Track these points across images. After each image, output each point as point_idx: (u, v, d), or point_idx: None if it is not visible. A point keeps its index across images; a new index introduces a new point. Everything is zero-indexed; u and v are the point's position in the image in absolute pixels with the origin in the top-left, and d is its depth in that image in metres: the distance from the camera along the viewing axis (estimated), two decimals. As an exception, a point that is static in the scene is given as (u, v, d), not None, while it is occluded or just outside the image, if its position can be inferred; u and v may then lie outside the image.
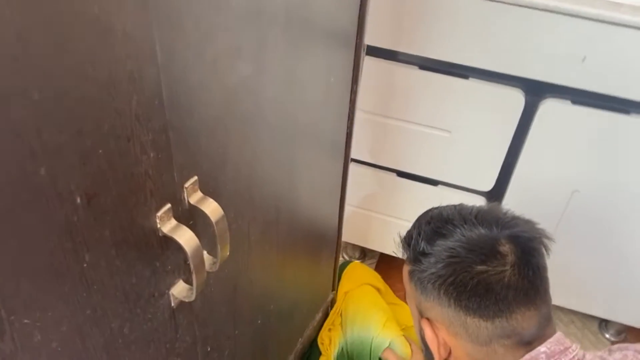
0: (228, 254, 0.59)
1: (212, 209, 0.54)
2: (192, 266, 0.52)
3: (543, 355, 0.59)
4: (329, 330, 1.28)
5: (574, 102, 1.05)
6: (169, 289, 0.55)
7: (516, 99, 1.08)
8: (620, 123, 1.04)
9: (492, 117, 1.12)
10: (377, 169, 1.33)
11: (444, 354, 0.65)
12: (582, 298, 1.32)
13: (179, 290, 0.56)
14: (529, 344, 0.60)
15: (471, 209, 0.64)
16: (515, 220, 0.62)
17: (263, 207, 0.74)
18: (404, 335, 1.19)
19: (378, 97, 1.20)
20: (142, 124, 0.42)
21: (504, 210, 0.64)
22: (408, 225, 1.51)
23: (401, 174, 1.31)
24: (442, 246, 0.61)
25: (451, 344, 0.64)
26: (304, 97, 0.75)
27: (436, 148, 1.22)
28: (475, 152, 1.18)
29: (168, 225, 0.50)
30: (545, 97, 1.07)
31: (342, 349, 1.25)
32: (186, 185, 0.52)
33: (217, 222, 0.54)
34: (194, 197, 0.53)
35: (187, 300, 0.57)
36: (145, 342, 0.55)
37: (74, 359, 0.45)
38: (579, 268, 1.27)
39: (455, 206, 0.66)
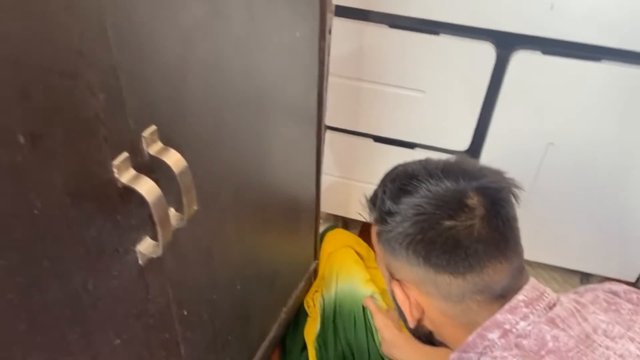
0: (195, 208, 0.57)
1: (174, 160, 0.52)
2: (155, 217, 0.50)
3: (522, 304, 0.59)
4: (315, 292, 1.28)
5: (545, 52, 1.05)
6: (134, 245, 0.54)
7: (487, 52, 1.07)
8: (592, 71, 1.04)
9: (465, 73, 1.12)
10: (354, 136, 1.32)
11: (416, 315, 0.64)
12: (562, 253, 1.34)
13: (146, 246, 0.55)
14: (503, 297, 0.59)
15: (437, 162, 0.63)
16: (482, 171, 0.61)
17: (233, 166, 0.72)
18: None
19: (350, 59, 1.19)
20: (87, 60, 0.40)
21: (472, 162, 0.63)
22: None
23: (378, 139, 1.30)
24: (408, 204, 0.60)
25: (424, 304, 0.63)
26: (269, 50, 0.73)
27: (411, 110, 1.21)
28: (450, 111, 1.18)
29: (127, 175, 0.48)
30: (516, 49, 1.06)
31: (330, 303, 1.26)
32: (144, 134, 0.50)
33: (180, 174, 0.53)
34: (154, 148, 0.52)
35: (154, 256, 0.55)
36: (113, 300, 0.53)
37: (34, 313, 0.43)
38: (558, 222, 1.28)
39: (420, 161, 0.64)
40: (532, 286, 0.60)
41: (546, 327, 0.56)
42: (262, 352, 1.09)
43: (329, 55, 1.15)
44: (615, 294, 0.61)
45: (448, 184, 0.59)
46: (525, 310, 0.58)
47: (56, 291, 0.45)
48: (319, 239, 1.28)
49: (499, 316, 0.58)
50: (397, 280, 0.64)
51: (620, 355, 0.54)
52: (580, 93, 1.07)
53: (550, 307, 0.59)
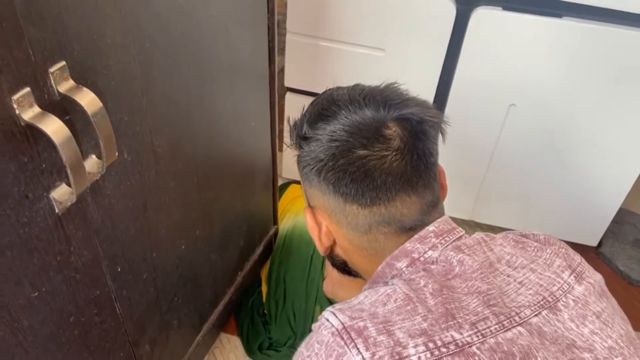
0: (116, 154, 0.55)
1: (87, 100, 0.50)
2: (64, 160, 0.48)
3: (432, 234, 0.59)
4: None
5: (505, 8, 1.03)
6: (48, 191, 0.51)
7: (448, 9, 1.05)
8: (552, 28, 1.02)
9: (425, 30, 1.09)
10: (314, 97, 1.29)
11: (326, 242, 0.64)
12: (523, 217, 1.34)
13: (61, 193, 0.52)
14: (412, 230, 0.60)
15: (363, 89, 0.61)
16: (407, 102, 0.59)
17: (168, 116, 0.69)
18: None
19: (307, 16, 1.16)
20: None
21: (399, 91, 0.61)
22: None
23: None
24: (324, 129, 0.59)
25: (334, 233, 0.63)
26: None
27: (372, 69, 1.18)
28: (411, 70, 1.16)
29: (30, 113, 0.46)
30: (476, 6, 1.04)
31: (280, 238, 1.31)
32: (51, 69, 0.47)
33: (94, 115, 0.50)
34: (64, 86, 0.49)
35: (69, 204, 0.53)
36: (25, 250, 0.51)
37: None
38: (519, 185, 1.28)
39: (349, 87, 0.63)
40: (445, 220, 0.61)
41: (452, 253, 0.57)
42: (215, 316, 1.07)
43: (280, 7, 1.11)
44: (524, 236, 0.62)
45: (367, 112, 0.58)
46: (434, 240, 0.59)
47: (-51, 234, 0.42)
48: (277, 202, 1.26)
49: (408, 245, 0.59)
50: (311, 207, 0.65)
51: (520, 282, 0.55)
52: (540, 51, 1.05)
53: (459, 239, 0.60)
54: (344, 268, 0.68)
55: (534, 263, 0.57)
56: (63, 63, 0.48)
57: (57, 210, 0.53)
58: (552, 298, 0.54)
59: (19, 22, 0.42)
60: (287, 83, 1.30)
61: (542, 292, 0.54)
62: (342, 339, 0.49)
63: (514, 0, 1.01)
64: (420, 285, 0.54)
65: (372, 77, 1.17)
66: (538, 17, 1.01)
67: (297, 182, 1.51)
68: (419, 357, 0.48)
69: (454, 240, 0.59)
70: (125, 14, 0.55)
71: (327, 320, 0.52)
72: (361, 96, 0.59)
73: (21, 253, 0.51)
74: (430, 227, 0.59)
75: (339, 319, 0.51)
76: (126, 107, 0.60)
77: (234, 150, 0.95)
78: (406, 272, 0.59)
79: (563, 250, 0.59)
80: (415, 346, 0.48)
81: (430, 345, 0.48)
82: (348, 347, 0.49)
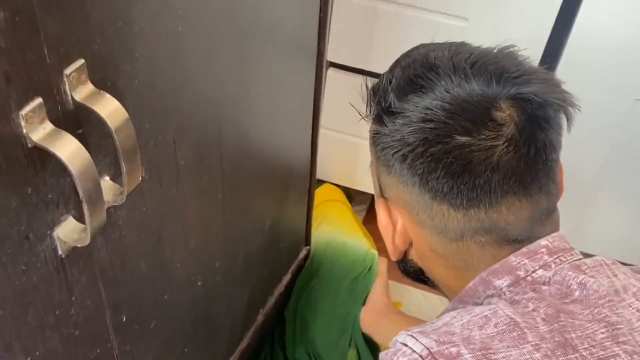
0: (140, 178, 0.54)
1: (110, 109, 0.49)
2: (81, 192, 0.47)
3: (544, 250, 0.59)
4: None
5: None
6: (52, 229, 0.51)
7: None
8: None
9: None
10: (366, 76, 1.28)
11: (400, 245, 0.65)
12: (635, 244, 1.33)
13: (68, 230, 0.52)
14: (516, 242, 0.59)
15: (470, 52, 0.60)
16: (529, 76, 0.58)
17: (197, 118, 0.69)
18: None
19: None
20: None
21: (519, 60, 0.60)
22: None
23: (399, 84, 1.27)
24: (417, 104, 0.59)
25: (412, 234, 0.64)
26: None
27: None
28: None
29: (41, 131, 0.45)
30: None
31: (305, 268, 1.32)
32: (67, 71, 0.46)
33: (118, 129, 0.49)
34: (81, 92, 0.48)
35: (80, 245, 0.53)
36: (20, 306, 0.51)
37: None
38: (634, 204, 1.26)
39: (451, 46, 0.61)
40: (561, 236, 0.61)
41: (570, 273, 0.57)
42: (229, 367, 1.08)
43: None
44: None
45: (475, 86, 0.58)
46: (547, 258, 0.59)
47: None
48: (311, 216, 1.27)
49: (513, 259, 0.59)
50: (385, 198, 0.65)
51: None
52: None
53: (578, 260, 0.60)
54: (419, 276, 0.70)
55: None
56: (82, 62, 0.47)
57: (60, 252, 0.53)
58: None
59: (35, 14, 0.42)
60: (330, 56, 1.29)
61: None
62: None
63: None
64: (529, 309, 0.54)
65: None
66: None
67: (321, 180, 1.51)
68: None
69: (571, 262, 0.59)
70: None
71: (406, 345, 0.52)
72: (468, 63, 0.58)
73: (15, 310, 0.51)
74: (543, 242, 0.59)
75: (422, 344, 0.51)
76: (149, 111, 0.59)
77: (268, 154, 0.95)
78: (507, 293, 0.59)
79: None
80: None
81: None
82: None
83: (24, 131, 0.44)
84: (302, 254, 1.28)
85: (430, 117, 0.58)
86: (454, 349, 0.50)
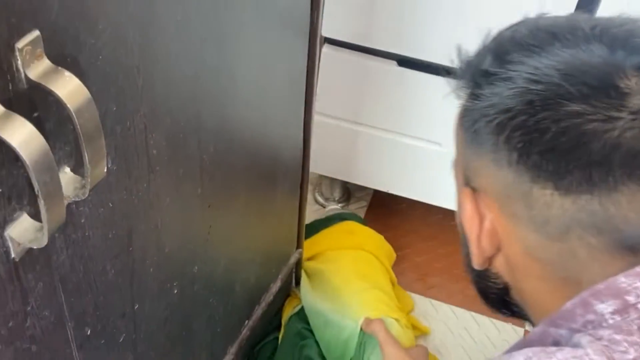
0: (105, 169, 0.54)
1: (70, 88, 0.49)
2: (36, 185, 0.47)
3: None
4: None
5: None
6: (3, 228, 0.51)
7: None
8: None
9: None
10: (367, 55, 1.29)
11: (488, 248, 0.61)
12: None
13: (22, 230, 0.52)
14: (632, 251, 0.55)
15: (590, 18, 0.59)
16: None
17: (171, 100, 0.69)
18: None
19: None
20: None
21: None
22: (416, 144, 1.50)
23: (404, 62, 1.28)
24: (523, 64, 0.56)
25: (503, 233, 0.60)
26: None
27: (454, 22, 1.17)
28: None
29: (-12, 114, 0.45)
30: None
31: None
32: (19, 44, 0.46)
33: (79, 111, 0.49)
34: (36, 69, 0.48)
35: (36, 247, 0.52)
36: (-34, 317, 0.51)
37: None
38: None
39: (565, 15, 0.60)
40: None
41: None
42: (210, 387, 1.08)
43: None
44: None
45: (597, 49, 0.55)
46: None
47: None
48: (304, 215, 1.27)
49: (623, 280, 0.54)
50: (472, 188, 0.62)
51: None
52: None
53: None
54: (502, 299, 0.66)
55: None
56: (36, 33, 0.47)
57: (13, 255, 0.53)
58: None
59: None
60: (325, 32, 1.29)
61: None
62: None
63: None
64: (629, 357, 0.51)
65: (458, 29, 1.17)
66: None
67: (350, 213, 1.50)
68: None
69: None
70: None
71: None
72: (588, 25, 0.57)
73: (-41, 323, 0.50)
74: None
75: None
76: (115, 91, 0.59)
77: (254, 142, 0.95)
78: (610, 322, 0.55)
79: None
80: None
81: None
82: None
83: (-31, 114, 0.44)
84: (293, 259, 1.29)
85: (539, 78, 0.55)
86: None
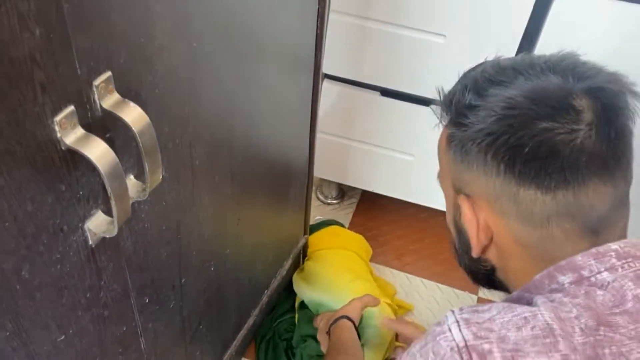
0: (161, 177, 0.54)
1: (134, 116, 0.48)
2: (109, 189, 0.47)
3: (613, 254, 0.54)
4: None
5: None
6: (83, 221, 0.51)
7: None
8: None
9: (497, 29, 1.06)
10: (357, 87, 1.27)
11: (483, 240, 0.60)
12: None
13: (97, 223, 0.52)
14: (595, 233, 0.55)
15: (540, 56, 0.58)
16: (596, 71, 0.56)
17: (209, 124, 0.68)
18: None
19: (355, -7, 1.13)
20: (16, -17, 0.35)
21: (582, 60, 0.58)
22: (395, 155, 1.46)
23: (386, 92, 1.26)
24: (497, 96, 0.55)
25: (495, 227, 0.59)
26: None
27: (429, 58, 1.16)
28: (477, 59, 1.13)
29: (72, 135, 0.44)
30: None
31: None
32: (96, 82, 0.46)
33: (141, 133, 0.49)
34: (109, 100, 0.47)
35: (108, 236, 0.52)
36: (55, 290, 0.50)
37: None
38: None
39: (520, 55, 0.60)
40: (633, 244, 0.56)
41: (630, 283, 0.52)
42: (238, 341, 1.07)
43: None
44: None
45: (552, 78, 0.55)
46: (614, 261, 0.54)
47: (-20, 281, 0.41)
48: (309, 209, 1.26)
49: (580, 258, 0.55)
50: (466, 195, 0.60)
51: None
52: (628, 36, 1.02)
53: None
54: (488, 278, 0.65)
55: None
56: (109, 74, 0.47)
57: (90, 242, 0.52)
58: None
59: (67, 31, 0.41)
60: (326, 69, 1.28)
61: None
62: (461, 358, 0.48)
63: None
64: (571, 315, 0.50)
65: (430, 67, 1.16)
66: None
67: (333, 220, 1.47)
68: None
69: (636, 270, 0.54)
70: (177, 10, 0.53)
71: (450, 330, 0.51)
72: (541, 61, 0.57)
73: (51, 294, 0.50)
74: (613, 245, 0.55)
75: (462, 334, 0.49)
76: (168, 117, 0.58)
77: (271, 154, 0.94)
78: (567, 289, 0.55)
79: None
80: None
81: None
82: None
83: (58, 135, 0.43)
84: (301, 242, 1.27)
85: (513, 105, 0.54)
86: (486, 346, 0.48)
